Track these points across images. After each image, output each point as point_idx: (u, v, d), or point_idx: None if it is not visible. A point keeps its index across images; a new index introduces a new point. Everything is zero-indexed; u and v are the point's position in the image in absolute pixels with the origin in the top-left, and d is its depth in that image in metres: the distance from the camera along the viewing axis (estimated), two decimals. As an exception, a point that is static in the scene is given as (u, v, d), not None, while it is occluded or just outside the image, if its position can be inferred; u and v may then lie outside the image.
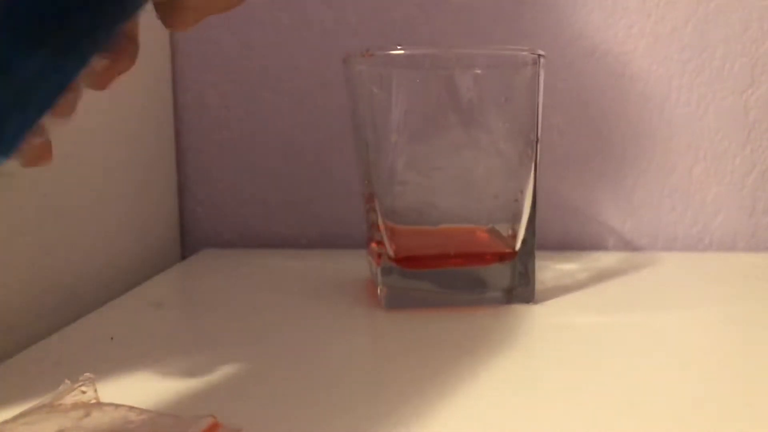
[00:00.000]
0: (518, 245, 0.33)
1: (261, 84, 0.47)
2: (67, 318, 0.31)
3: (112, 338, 0.28)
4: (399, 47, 0.32)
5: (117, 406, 0.20)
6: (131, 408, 0.20)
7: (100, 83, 0.21)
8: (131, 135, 0.40)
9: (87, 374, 0.22)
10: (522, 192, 0.33)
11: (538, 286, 0.34)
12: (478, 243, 0.34)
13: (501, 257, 0.33)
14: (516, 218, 0.33)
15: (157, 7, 0.20)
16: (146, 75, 0.43)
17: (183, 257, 0.48)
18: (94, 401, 0.21)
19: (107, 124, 0.38)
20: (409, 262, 0.32)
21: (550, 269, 0.39)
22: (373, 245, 0.33)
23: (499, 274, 0.33)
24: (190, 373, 0.24)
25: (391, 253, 0.32)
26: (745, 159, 0.47)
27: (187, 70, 0.47)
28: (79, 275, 0.34)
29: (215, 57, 0.47)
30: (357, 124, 0.33)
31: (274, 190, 0.48)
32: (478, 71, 0.33)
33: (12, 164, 0.18)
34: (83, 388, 0.21)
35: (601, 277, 0.38)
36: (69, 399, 0.21)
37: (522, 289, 0.33)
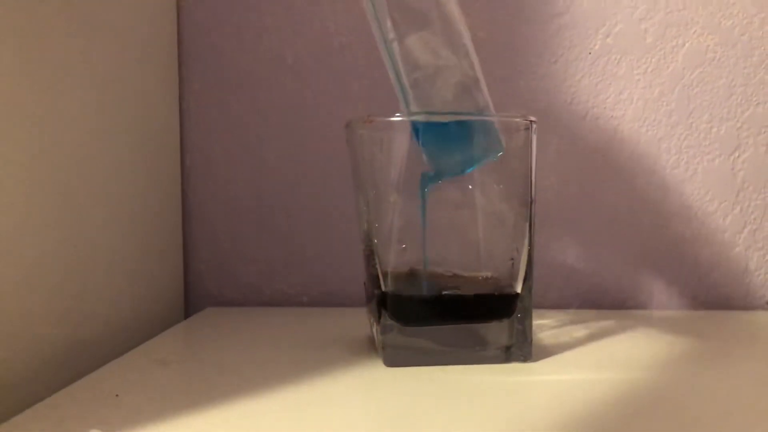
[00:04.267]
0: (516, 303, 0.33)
1: (265, 147, 0.49)
2: (72, 375, 0.31)
3: (117, 395, 0.28)
4: (398, 114, 0.33)
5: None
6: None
7: None
8: (138, 194, 0.42)
9: (93, 431, 0.22)
10: (518, 251, 0.34)
11: (535, 344, 0.34)
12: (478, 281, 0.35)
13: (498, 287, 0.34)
14: (513, 277, 0.34)
15: None
16: (154, 136, 0.45)
17: (187, 315, 0.48)
18: (100, 457, 0.21)
19: (114, 184, 0.39)
20: (406, 310, 0.33)
21: (547, 327, 0.40)
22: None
23: (497, 331, 0.33)
24: (196, 430, 0.25)
25: (389, 292, 0.32)
26: (735, 218, 0.48)
27: (194, 132, 0.49)
28: (84, 333, 0.35)
29: (222, 120, 0.49)
30: (358, 184, 0.35)
31: (277, 249, 0.49)
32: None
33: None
34: (90, 444, 0.22)
35: (598, 335, 0.39)
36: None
37: (520, 347, 0.33)
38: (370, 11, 0.32)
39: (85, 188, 0.35)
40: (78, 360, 0.34)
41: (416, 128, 0.32)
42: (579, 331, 0.40)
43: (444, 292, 0.34)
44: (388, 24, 0.31)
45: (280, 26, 0.48)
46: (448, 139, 0.32)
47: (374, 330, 0.35)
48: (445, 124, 0.32)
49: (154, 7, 0.45)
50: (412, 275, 0.34)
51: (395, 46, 0.31)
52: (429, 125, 0.32)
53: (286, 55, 0.49)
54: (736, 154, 0.48)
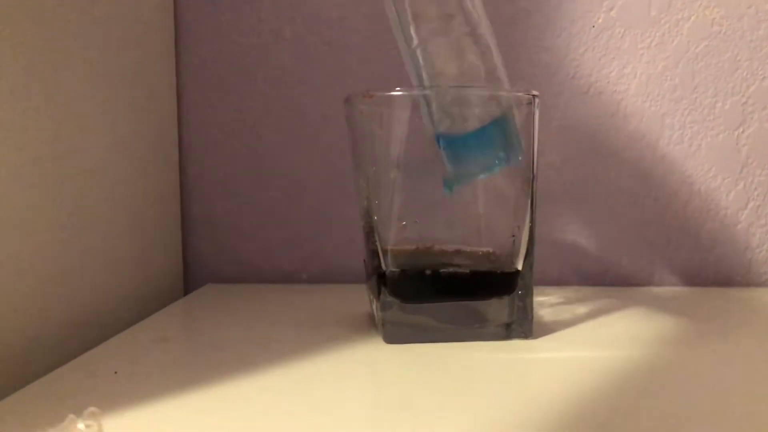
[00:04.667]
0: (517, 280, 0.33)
1: (264, 123, 0.48)
2: (71, 353, 0.31)
3: (116, 372, 0.28)
4: (398, 88, 0.33)
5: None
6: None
7: None
8: (136, 172, 0.41)
9: (91, 408, 0.22)
10: (519, 228, 0.33)
11: (536, 321, 0.34)
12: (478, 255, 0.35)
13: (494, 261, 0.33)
14: (514, 254, 0.34)
15: None
16: (151, 112, 0.44)
17: (186, 292, 0.48)
18: (98, 435, 0.21)
19: (111, 160, 0.38)
20: (406, 284, 0.33)
21: (548, 304, 0.40)
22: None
23: (498, 308, 0.33)
24: (195, 407, 0.25)
25: (389, 269, 0.32)
26: (738, 195, 0.48)
27: (191, 108, 0.49)
28: (83, 310, 0.35)
29: (219, 96, 0.48)
30: (357, 161, 0.34)
31: (276, 226, 0.49)
32: (476, 110, 0.34)
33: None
34: (88, 422, 0.22)
35: (599, 312, 0.39)
36: (74, 433, 0.21)
37: (520, 324, 0.33)
38: (393, 18, 0.32)
39: (82, 165, 0.35)
40: (77, 337, 0.34)
41: (438, 138, 0.32)
42: (580, 309, 0.40)
43: (444, 269, 0.33)
44: (411, 31, 0.31)
45: (278, 1, 0.48)
46: (470, 146, 0.32)
47: (374, 307, 0.35)
48: (466, 135, 0.32)
49: (150, -21, 0.44)
50: (412, 252, 0.34)
51: (419, 52, 0.31)
52: (452, 139, 0.32)
53: (285, 30, 0.48)
54: (741, 130, 0.47)
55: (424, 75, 0.32)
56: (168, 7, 0.47)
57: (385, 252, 0.33)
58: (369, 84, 0.45)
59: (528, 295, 0.33)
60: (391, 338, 0.33)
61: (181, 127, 0.49)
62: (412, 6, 0.31)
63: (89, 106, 0.36)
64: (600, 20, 0.47)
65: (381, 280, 0.33)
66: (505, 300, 0.33)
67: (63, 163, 0.33)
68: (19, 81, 0.30)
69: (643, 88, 0.47)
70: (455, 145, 0.32)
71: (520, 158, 0.32)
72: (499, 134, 0.32)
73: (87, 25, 0.36)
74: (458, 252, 0.35)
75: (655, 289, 0.47)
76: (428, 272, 0.33)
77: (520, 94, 0.33)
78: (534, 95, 0.33)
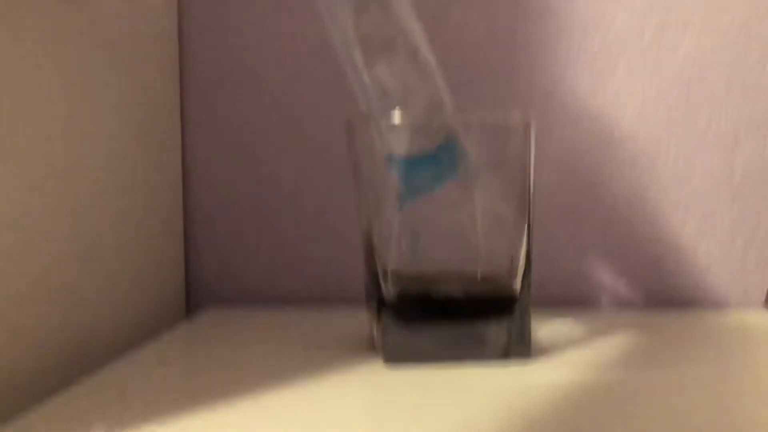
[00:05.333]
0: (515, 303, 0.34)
1: (266, 146, 0.49)
2: (75, 375, 0.31)
3: (119, 395, 0.29)
4: (398, 113, 0.34)
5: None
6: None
7: None
8: (138, 193, 0.42)
9: (96, 429, 0.22)
10: (517, 250, 0.34)
11: (534, 343, 0.34)
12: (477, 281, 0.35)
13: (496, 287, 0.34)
14: (512, 276, 0.34)
15: None
16: (155, 135, 0.45)
17: (188, 314, 0.48)
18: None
19: (115, 183, 0.39)
20: (406, 304, 0.33)
21: (546, 327, 0.40)
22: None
23: (496, 331, 0.34)
24: (197, 429, 0.25)
25: (389, 291, 0.33)
26: (733, 217, 0.48)
27: (195, 131, 0.49)
28: (86, 332, 0.35)
29: (223, 119, 0.49)
30: (358, 184, 0.35)
31: (277, 248, 0.49)
32: (473, 135, 0.35)
33: None
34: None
35: (596, 334, 0.39)
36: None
37: (519, 346, 0.34)
38: (338, 42, 0.33)
39: (86, 187, 0.36)
40: (81, 359, 0.34)
41: (389, 158, 0.34)
42: (578, 330, 0.40)
43: (443, 292, 0.34)
44: (357, 53, 0.32)
45: (281, 27, 0.49)
46: (421, 167, 0.33)
47: (374, 329, 0.35)
48: (417, 158, 0.33)
49: (156, 7, 0.45)
50: (411, 274, 0.35)
51: (365, 74, 0.32)
52: (403, 161, 0.34)
53: (287, 55, 0.49)
54: (735, 153, 0.48)
55: (372, 97, 0.33)
56: (172, 29, 0.48)
57: (385, 274, 0.33)
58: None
59: (526, 317, 0.34)
60: (391, 360, 0.33)
61: (184, 148, 0.49)
62: (356, 29, 0.32)
63: (92, 125, 0.37)
64: (595, 46, 0.48)
65: (381, 303, 0.33)
66: (504, 322, 0.34)
67: (64, 184, 0.34)
68: (21, 97, 0.31)
69: (638, 112, 0.48)
70: (406, 166, 0.33)
71: (467, 172, 0.34)
72: (447, 154, 0.33)
73: (92, 46, 0.37)
74: (457, 274, 0.35)
75: (651, 312, 0.47)
76: (427, 295, 0.34)
77: (516, 119, 0.34)
78: (529, 120, 0.33)
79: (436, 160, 0.33)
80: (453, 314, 0.33)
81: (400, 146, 0.33)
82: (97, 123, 0.37)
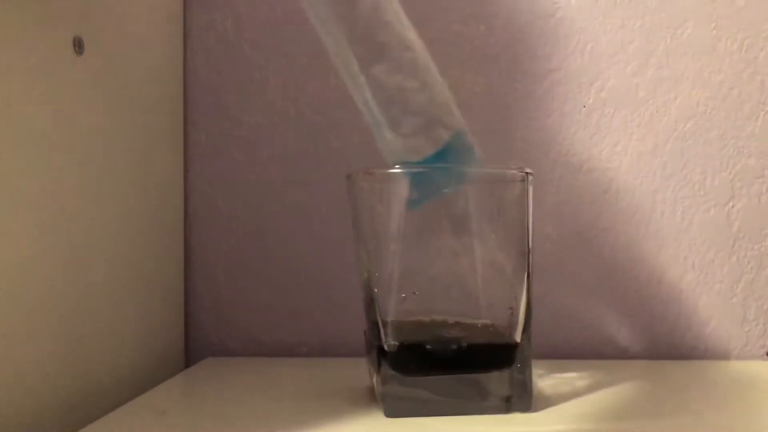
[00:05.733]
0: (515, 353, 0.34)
1: (267, 198, 0.50)
2: (73, 425, 0.31)
3: (117, 446, 0.28)
4: (397, 166, 0.34)
5: None
6: None
7: None
8: (140, 244, 0.42)
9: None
10: (516, 300, 0.34)
11: (536, 394, 0.34)
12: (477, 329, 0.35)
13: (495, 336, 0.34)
14: (512, 326, 0.34)
15: None
16: (158, 186, 0.46)
17: (187, 365, 0.48)
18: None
19: (117, 232, 0.39)
20: (406, 356, 0.33)
21: (547, 377, 0.40)
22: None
23: (497, 381, 0.33)
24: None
25: (389, 342, 0.33)
26: (732, 268, 0.49)
27: (197, 182, 0.50)
28: (84, 383, 0.35)
29: (225, 171, 0.50)
30: (358, 234, 0.35)
31: (277, 299, 0.49)
32: (471, 187, 0.35)
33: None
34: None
35: (598, 385, 0.39)
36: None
37: (520, 397, 0.33)
38: (333, 49, 0.33)
39: (88, 237, 0.36)
40: (79, 410, 0.34)
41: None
42: (579, 381, 0.40)
43: (444, 342, 0.34)
44: (353, 58, 0.32)
45: (283, 82, 0.50)
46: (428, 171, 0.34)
47: (374, 380, 0.35)
48: (424, 160, 0.33)
49: (162, 65, 0.46)
50: (412, 324, 0.35)
51: (362, 79, 0.32)
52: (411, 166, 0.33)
53: (289, 109, 0.50)
54: (731, 205, 0.49)
55: (371, 100, 0.33)
56: (177, 85, 0.49)
57: (385, 324, 0.33)
58: (369, 161, 0.46)
59: (527, 367, 0.34)
60: (392, 412, 0.33)
61: (186, 200, 0.50)
62: (349, 33, 0.32)
63: (95, 177, 0.37)
64: (591, 101, 0.49)
65: (381, 353, 0.33)
66: (505, 373, 0.33)
67: (66, 233, 0.34)
68: (24, 146, 0.32)
69: (634, 165, 0.49)
70: (414, 170, 0.34)
71: (479, 162, 0.34)
72: (453, 153, 0.33)
73: (97, 101, 0.37)
74: (457, 324, 0.35)
75: (653, 362, 0.47)
76: (428, 345, 0.34)
77: (513, 171, 0.34)
78: (528, 173, 0.34)
79: (444, 162, 0.33)
80: (454, 365, 0.33)
81: (405, 156, 0.33)
82: (100, 179, 0.38)
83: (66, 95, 0.34)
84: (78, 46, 0.35)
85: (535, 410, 0.33)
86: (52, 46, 0.33)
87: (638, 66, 0.49)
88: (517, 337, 0.34)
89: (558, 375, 0.41)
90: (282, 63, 0.50)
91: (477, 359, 0.34)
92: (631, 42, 0.49)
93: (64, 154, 0.34)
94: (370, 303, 0.34)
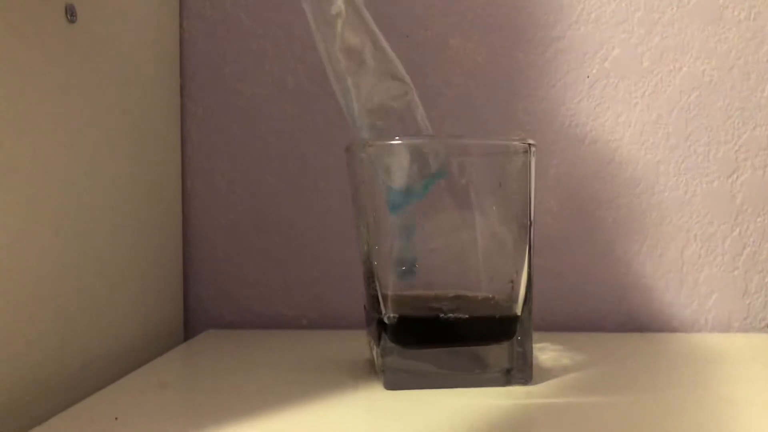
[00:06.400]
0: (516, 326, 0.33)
1: (266, 171, 0.49)
2: (72, 398, 0.31)
3: (116, 418, 0.28)
4: (397, 138, 0.34)
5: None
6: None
7: None
8: (138, 218, 0.42)
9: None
10: (517, 273, 0.34)
11: (536, 367, 0.34)
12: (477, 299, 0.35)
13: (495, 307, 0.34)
14: (513, 299, 0.34)
15: None
16: (155, 160, 0.45)
17: (186, 338, 0.48)
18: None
19: (115, 207, 0.39)
20: (406, 326, 0.33)
21: (547, 350, 0.40)
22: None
23: (497, 354, 0.33)
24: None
25: (389, 315, 0.32)
26: (734, 241, 0.48)
27: (195, 156, 0.49)
28: (84, 356, 0.35)
29: (223, 144, 0.49)
30: (358, 207, 0.35)
31: (277, 272, 0.49)
32: (473, 159, 0.35)
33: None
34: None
35: (598, 357, 0.39)
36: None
37: (520, 370, 0.33)
38: (324, 54, 0.35)
39: (85, 211, 0.36)
40: (78, 383, 0.34)
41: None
42: (579, 354, 0.40)
43: (444, 315, 0.34)
44: (342, 62, 0.34)
45: (281, 53, 0.49)
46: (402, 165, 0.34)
47: (374, 353, 0.35)
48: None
49: (157, 35, 0.46)
50: (411, 297, 0.35)
51: (349, 82, 0.34)
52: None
53: (287, 81, 0.49)
54: (735, 177, 0.48)
55: (354, 102, 0.34)
56: (173, 58, 0.48)
57: (385, 297, 0.33)
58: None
59: (527, 340, 0.34)
60: (392, 385, 0.33)
61: (184, 174, 0.49)
62: (340, 39, 0.34)
63: (92, 151, 0.37)
64: (594, 71, 0.48)
65: (381, 326, 0.33)
66: (505, 345, 0.33)
67: (63, 207, 0.34)
68: (21, 127, 0.31)
69: (638, 136, 0.48)
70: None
71: (445, 171, 0.34)
72: (422, 150, 0.35)
73: (92, 73, 0.37)
74: (458, 297, 0.35)
75: (654, 335, 0.47)
76: (428, 318, 0.34)
77: (516, 142, 0.34)
78: (530, 144, 0.34)
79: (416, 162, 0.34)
80: (454, 338, 0.33)
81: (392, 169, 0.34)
82: (98, 153, 0.37)
83: (59, 66, 0.33)
84: (70, 13, 0.34)
85: (536, 383, 0.33)
86: (43, 12, 0.32)
87: (643, 35, 0.48)
88: (518, 310, 0.34)
89: (558, 348, 0.41)
90: (280, 33, 0.49)
91: (477, 332, 0.34)
92: (636, 10, 0.48)
93: (59, 127, 0.33)
94: (370, 276, 0.34)
